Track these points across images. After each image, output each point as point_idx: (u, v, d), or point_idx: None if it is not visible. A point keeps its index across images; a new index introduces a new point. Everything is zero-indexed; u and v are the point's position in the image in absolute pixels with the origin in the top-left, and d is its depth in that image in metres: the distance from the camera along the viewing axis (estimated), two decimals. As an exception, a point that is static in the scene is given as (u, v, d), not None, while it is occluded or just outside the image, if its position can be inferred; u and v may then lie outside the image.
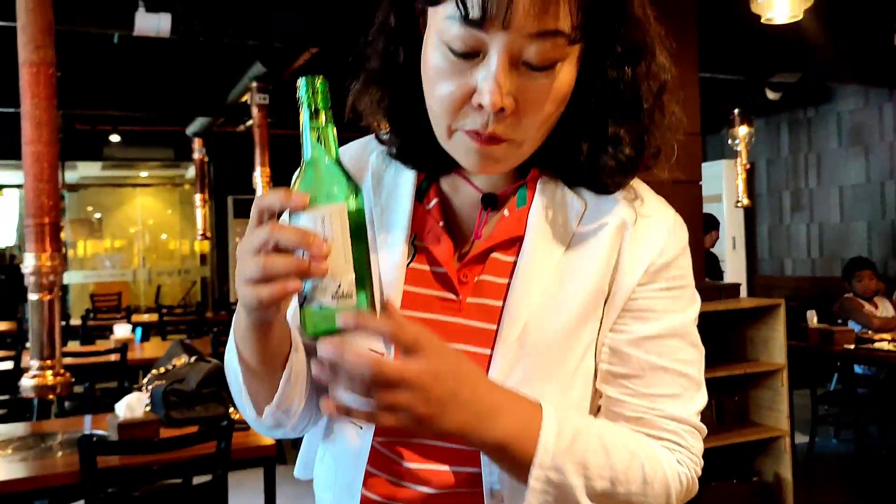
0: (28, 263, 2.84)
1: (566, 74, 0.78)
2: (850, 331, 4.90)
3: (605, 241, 0.87)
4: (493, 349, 0.85)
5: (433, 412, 0.72)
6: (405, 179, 0.93)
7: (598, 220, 0.88)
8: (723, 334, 3.82)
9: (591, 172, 0.86)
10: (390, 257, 0.89)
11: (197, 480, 2.63)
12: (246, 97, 5.98)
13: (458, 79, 0.77)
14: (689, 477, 0.88)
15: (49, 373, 2.78)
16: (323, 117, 0.73)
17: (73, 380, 2.91)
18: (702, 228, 4.01)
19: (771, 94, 6.94)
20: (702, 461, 0.90)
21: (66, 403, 4.45)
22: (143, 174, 12.87)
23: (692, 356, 0.89)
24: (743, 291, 4.94)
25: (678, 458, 0.87)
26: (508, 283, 0.87)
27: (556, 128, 0.83)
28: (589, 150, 0.85)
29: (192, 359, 3.30)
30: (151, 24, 4.32)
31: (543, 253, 0.87)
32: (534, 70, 0.75)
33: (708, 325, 3.92)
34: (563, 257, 0.87)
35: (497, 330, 0.86)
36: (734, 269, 8.22)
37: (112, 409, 2.88)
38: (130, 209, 13.31)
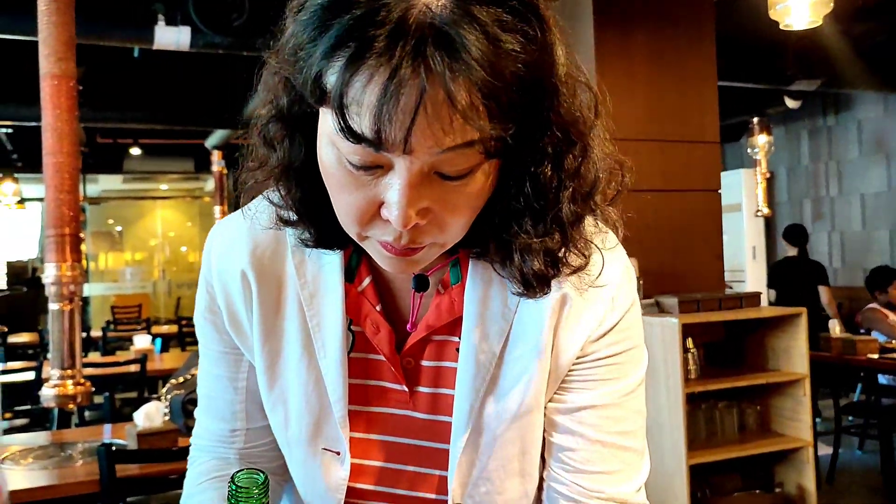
0: (49, 273, 2.86)
1: (484, 175, 0.67)
2: (874, 340, 4.84)
3: (548, 321, 0.80)
4: (449, 443, 0.82)
5: None
6: (331, 258, 0.83)
7: (539, 298, 0.79)
8: (744, 343, 3.78)
9: (507, 276, 0.77)
10: (329, 349, 0.82)
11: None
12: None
13: (362, 190, 0.66)
14: None
15: (69, 382, 2.79)
16: None
17: (94, 389, 2.92)
18: (721, 240, 3.98)
19: (790, 103, 6.89)
20: None
21: (86, 413, 4.48)
22: (164, 187, 12.99)
23: (634, 425, 0.84)
24: (764, 301, 4.90)
25: None
26: (455, 367, 0.82)
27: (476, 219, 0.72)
28: (497, 253, 0.76)
29: (211, 368, 3.31)
30: (171, 37, 4.36)
31: (485, 337, 0.80)
32: (448, 179, 0.64)
33: (729, 334, 3.91)
34: (506, 341, 0.81)
35: (451, 423, 0.82)
36: (754, 279, 8.15)
37: (131, 419, 2.89)
38: (150, 222, 13.43)
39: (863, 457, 5.39)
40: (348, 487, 0.85)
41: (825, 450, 4.93)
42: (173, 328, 7.88)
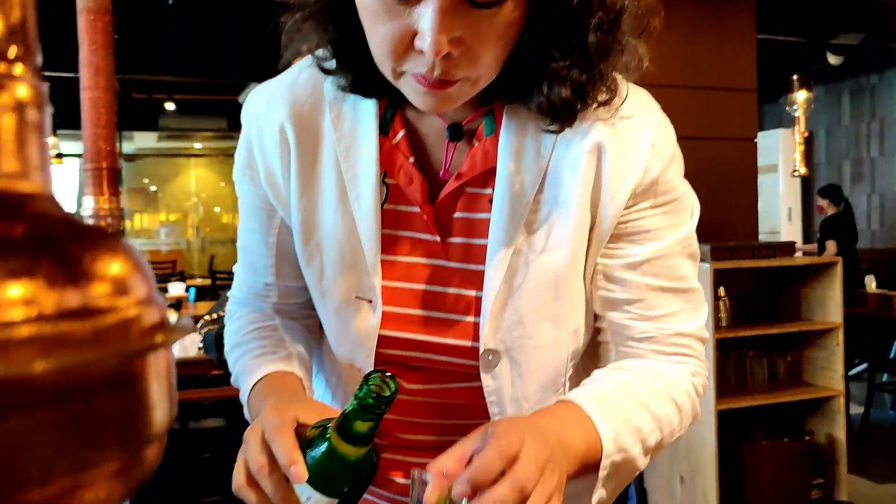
0: (87, 206, 2.91)
1: (514, 4, 0.68)
2: (912, 296, 4.77)
3: (583, 168, 0.81)
4: (481, 290, 0.84)
5: (558, 478, 0.69)
6: (366, 111, 0.85)
7: (572, 145, 0.81)
8: (777, 292, 3.75)
9: (535, 108, 0.78)
10: (363, 200, 0.84)
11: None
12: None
13: (396, 21, 0.68)
14: (703, 384, 0.90)
15: (107, 313, 2.85)
16: (372, 424, 0.69)
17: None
18: (755, 189, 3.92)
19: (832, 59, 6.73)
20: (707, 363, 0.91)
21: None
22: (197, 145, 13.10)
23: (689, 269, 0.87)
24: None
25: (692, 370, 0.88)
26: (488, 219, 0.83)
27: (508, 59, 0.74)
28: (526, 85, 0.77)
29: (244, 306, 3.36)
30: (205, -18, 4.36)
31: (519, 185, 0.82)
32: (478, 7, 0.67)
33: (762, 283, 3.87)
34: (540, 188, 0.82)
35: (484, 270, 0.83)
36: (789, 240, 8.05)
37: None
38: (185, 181, 13.58)
39: (895, 416, 5.34)
40: (385, 336, 0.87)
41: (856, 409, 4.89)
42: (207, 281, 8.01)
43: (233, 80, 7.56)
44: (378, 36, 0.70)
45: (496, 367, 0.85)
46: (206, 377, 2.63)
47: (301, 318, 0.98)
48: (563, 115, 0.76)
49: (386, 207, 0.86)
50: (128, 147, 12.25)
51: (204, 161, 13.53)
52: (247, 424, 2.69)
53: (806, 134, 7.15)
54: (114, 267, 0.21)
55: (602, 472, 0.78)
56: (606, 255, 0.85)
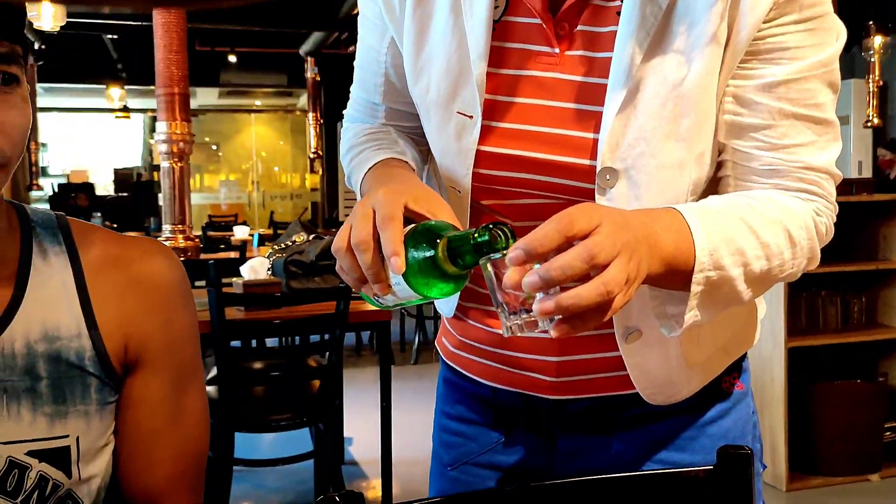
0: (160, 131, 2.97)
1: None
2: None
3: None
4: (602, 105, 0.80)
5: (636, 265, 0.67)
6: None
7: None
8: (854, 230, 3.63)
9: None
10: (475, 9, 0.82)
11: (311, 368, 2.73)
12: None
13: None
14: (827, 226, 0.84)
15: (181, 236, 2.92)
16: (484, 258, 0.69)
17: (202, 245, 3.05)
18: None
19: (912, 3, 6.43)
20: (836, 206, 0.84)
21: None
22: (257, 102, 13.24)
23: (827, 97, 0.81)
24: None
25: (816, 207, 0.83)
26: (613, 32, 0.80)
27: None
28: None
29: (311, 237, 3.40)
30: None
31: None
32: None
33: (838, 219, 3.72)
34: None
35: (605, 84, 0.80)
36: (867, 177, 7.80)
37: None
38: (245, 138, 13.76)
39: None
40: (484, 153, 0.85)
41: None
42: (268, 231, 8.13)
43: (295, 29, 7.59)
44: None
45: (613, 188, 0.81)
46: (275, 296, 2.67)
47: (413, 135, 0.98)
48: None
49: (504, 20, 0.84)
50: (190, 104, 12.46)
51: (264, 118, 13.68)
52: (313, 348, 2.76)
53: (880, 83, 6.87)
54: None
55: (696, 288, 0.74)
56: (739, 76, 0.81)
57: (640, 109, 0.79)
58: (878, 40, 6.35)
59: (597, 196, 0.82)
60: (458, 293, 0.78)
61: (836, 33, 0.82)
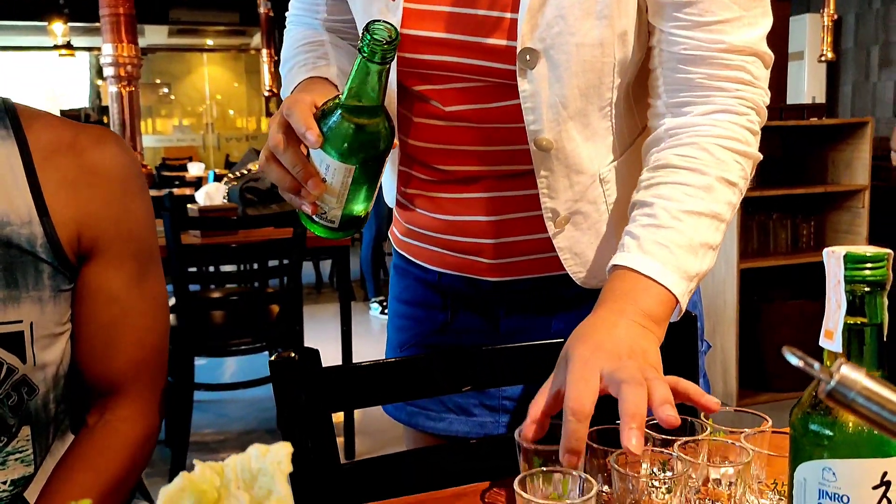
0: (106, 54, 2.88)
1: None
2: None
3: None
4: None
5: (650, 359, 0.69)
6: None
7: None
8: (804, 154, 3.69)
9: None
10: None
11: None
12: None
13: None
14: (759, 121, 0.84)
15: (131, 163, 2.86)
16: (383, 71, 0.71)
17: (154, 173, 3.00)
18: (786, 49, 3.82)
19: (867, -66, 6.44)
20: (767, 89, 0.84)
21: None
22: (210, 42, 12.89)
23: None
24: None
25: (742, 100, 0.81)
26: None
27: None
28: None
29: (266, 165, 3.36)
30: None
31: None
32: None
33: (789, 145, 3.81)
34: None
35: None
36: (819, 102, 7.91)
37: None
38: (198, 79, 13.42)
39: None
40: (408, 36, 0.85)
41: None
42: (224, 171, 8.01)
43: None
44: None
45: (533, 69, 0.81)
46: (233, 219, 2.64)
47: (351, 38, 0.99)
48: None
49: None
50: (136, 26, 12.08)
51: (217, 58, 13.33)
52: (270, 272, 2.71)
53: (835, 17, 6.92)
54: None
55: (683, 300, 0.76)
56: None
57: None
58: (832, -29, 6.37)
59: (518, 78, 0.82)
60: (389, 152, 0.78)
61: None
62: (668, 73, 0.84)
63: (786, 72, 3.82)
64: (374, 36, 0.69)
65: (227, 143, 12.91)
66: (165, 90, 13.37)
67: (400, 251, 1.08)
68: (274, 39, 9.07)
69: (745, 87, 0.82)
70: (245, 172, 3.29)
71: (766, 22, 0.82)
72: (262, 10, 8.61)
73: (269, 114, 11.81)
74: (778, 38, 3.79)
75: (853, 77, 7.84)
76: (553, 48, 0.80)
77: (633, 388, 0.62)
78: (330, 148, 0.73)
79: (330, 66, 0.92)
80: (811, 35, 7.72)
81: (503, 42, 0.82)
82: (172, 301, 2.60)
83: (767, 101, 0.85)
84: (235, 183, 3.16)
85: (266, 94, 8.88)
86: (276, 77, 9.16)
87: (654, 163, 0.83)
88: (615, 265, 0.77)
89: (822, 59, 6.85)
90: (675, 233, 0.77)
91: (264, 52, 8.72)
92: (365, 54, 0.70)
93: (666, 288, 0.74)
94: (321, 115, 0.74)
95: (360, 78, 0.71)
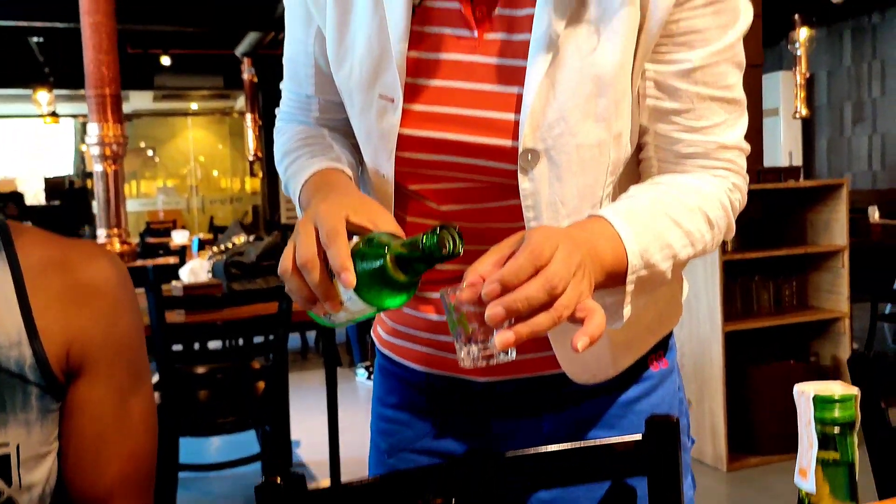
0: (92, 134, 2.90)
1: None
2: (915, 227, 4.78)
3: None
4: (521, 86, 0.82)
5: (588, 281, 0.72)
6: None
7: None
8: (783, 216, 3.75)
9: None
10: None
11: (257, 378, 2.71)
12: None
13: None
14: (740, 200, 0.90)
15: (117, 241, 2.86)
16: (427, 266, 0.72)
17: (139, 249, 3.00)
18: (760, 115, 3.90)
19: (834, -3, 6.66)
20: (748, 176, 0.91)
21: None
22: (194, 105, 13.01)
23: (736, 77, 0.87)
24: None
25: (731, 183, 0.89)
26: (530, 15, 0.82)
27: None
28: None
29: (252, 238, 3.37)
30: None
31: None
32: None
33: (767, 207, 3.86)
34: None
35: (524, 66, 0.82)
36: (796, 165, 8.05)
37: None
38: (182, 142, 13.51)
39: (897, 349, 5.37)
40: (406, 136, 0.86)
41: (858, 345, 4.91)
42: (209, 235, 8.01)
43: (230, 29, 7.49)
44: None
45: (535, 168, 0.83)
46: (218, 297, 2.64)
47: (345, 132, 0.99)
48: None
49: (424, 4, 0.86)
50: (123, 108, 12.18)
51: (201, 122, 13.45)
52: (256, 349, 2.74)
53: (807, 75, 7.10)
54: None
55: (629, 287, 0.79)
56: (658, 61, 0.84)
57: (558, 90, 0.81)
58: (803, 33, 6.56)
59: (519, 177, 0.84)
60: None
61: (742, 12, 0.86)
62: (664, 165, 0.89)
63: (762, 135, 3.89)
64: (445, 251, 0.69)
65: (212, 205, 12.94)
66: (150, 153, 13.44)
67: (384, 351, 1.07)
68: (258, 103, 9.19)
69: (732, 174, 0.89)
70: (230, 246, 3.29)
71: (745, 119, 0.90)
72: (245, 75, 8.77)
73: (252, 174, 11.87)
74: (752, 103, 3.88)
75: (828, 132, 8.02)
76: (554, 149, 0.82)
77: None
78: (359, 290, 0.72)
79: (340, 160, 0.92)
80: (785, 91, 7.91)
81: (504, 143, 0.84)
82: (156, 378, 2.57)
83: (747, 185, 0.91)
84: (220, 257, 3.16)
85: (250, 158, 8.99)
86: (260, 141, 9.25)
87: (645, 182, 0.89)
88: (592, 214, 0.82)
89: (797, 115, 7.01)
90: (651, 220, 0.82)
91: (248, 116, 8.85)
92: (429, 251, 0.70)
93: (625, 251, 0.78)
94: (358, 252, 0.73)
95: (414, 259, 0.71)
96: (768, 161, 7.30)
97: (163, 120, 13.28)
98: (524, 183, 0.84)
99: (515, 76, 0.83)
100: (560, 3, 0.80)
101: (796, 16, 6.53)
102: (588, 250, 0.74)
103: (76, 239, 0.97)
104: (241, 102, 11.53)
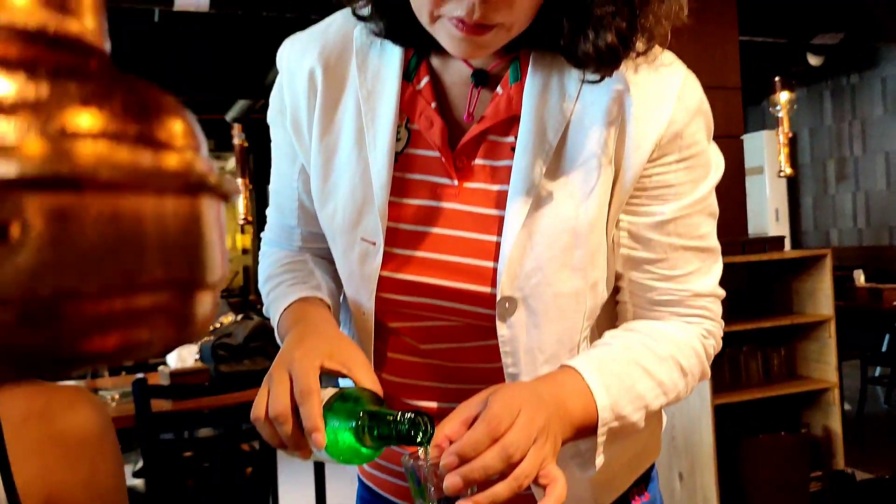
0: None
1: None
2: (901, 289, 4.81)
3: (607, 116, 0.82)
4: (499, 235, 0.84)
5: (552, 444, 0.74)
6: (392, 58, 0.87)
7: (597, 93, 0.82)
8: (768, 287, 3.78)
9: (572, 59, 0.79)
10: (378, 142, 0.86)
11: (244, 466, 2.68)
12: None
13: None
14: (714, 346, 0.92)
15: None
16: (406, 458, 0.74)
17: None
18: (743, 187, 3.96)
19: (813, 60, 6.81)
20: (723, 322, 0.92)
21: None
22: (185, 167, 13.10)
23: (710, 227, 0.89)
24: (787, 245, 4.86)
25: (705, 329, 0.90)
26: (508, 166, 0.84)
27: (543, 5, 0.76)
28: (570, 32, 0.77)
29: (239, 317, 3.37)
30: (191, -2, 4.39)
31: (543, 131, 0.82)
32: None
33: (753, 281, 3.90)
34: (564, 134, 0.83)
35: (502, 216, 0.84)
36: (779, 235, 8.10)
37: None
38: (173, 202, 13.56)
39: (890, 410, 5.36)
40: (387, 279, 0.88)
41: (849, 405, 4.91)
42: (199, 300, 8.00)
43: (220, 97, 7.59)
44: None
45: (512, 315, 0.84)
46: (205, 386, 2.63)
47: (327, 258, 1.01)
48: (606, 63, 0.77)
49: (406, 152, 0.88)
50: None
51: (192, 182, 13.53)
52: (243, 435, 2.71)
53: (790, 135, 7.20)
54: (176, 115, 0.23)
55: (600, 439, 0.80)
56: (632, 213, 0.86)
57: (535, 240, 0.83)
58: (784, 96, 6.69)
59: (497, 324, 0.85)
60: None
61: (713, 166, 0.89)
62: (639, 311, 0.91)
63: (745, 207, 3.95)
64: (416, 439, 0.71)
65: (203, 266, 12.94)
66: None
67: (365, 481, 1.07)
68: (248, 168, 9.24)
69: (706, 321, 0.90)
70: (217, 326, 3.29)
71: (719, 267, 0.91)
72: (236, 140, 8.82)
73: (243, 232, 11.88)
74: (734, 172, 3.94)
75: (813, 190, 8.11)
76: (532, 297, 0.84)
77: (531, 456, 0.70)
78: (330, 450, 0.74)
79: (320, 288, 0.94)
80: (769, 149, 8.02)
81: (483, 289, 0.85)
82: (140, 465, 2.55)
83: (722, 331, 0.92)
84: (208, 338, 3.16)
85: (241, 222, 9.00)
86: (252, 203, 9.29)
87: (620, 328, 0.91)
88: (564, 364, 0.83)
89: (781, 174, 7.08)
90: (623, 371, 0.82)
91: (239, 180, 8.90)
92: (401, 435, 0.71)
93: (596, 405, 0.79)
94: (330, 411, 0.74)
95: (384, 435, 0.72)
96: (755, 219, 7.38)
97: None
98: (502, 329, 0.85)
99: (494, 225, 0.85)
100: (537, 156, 0.82)
101: (777, 79, 6.67)
102: (555, 409, 0.75)
103: (58, 385, 0.98)
104: (231, 163, 11.60)
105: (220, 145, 11.04)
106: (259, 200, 10.53)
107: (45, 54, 0.20)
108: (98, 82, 0.21)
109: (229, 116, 8.59)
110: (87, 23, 0.23)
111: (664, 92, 0.83)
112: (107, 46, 0.24)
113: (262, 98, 7.72)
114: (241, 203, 8.81)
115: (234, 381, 2.66)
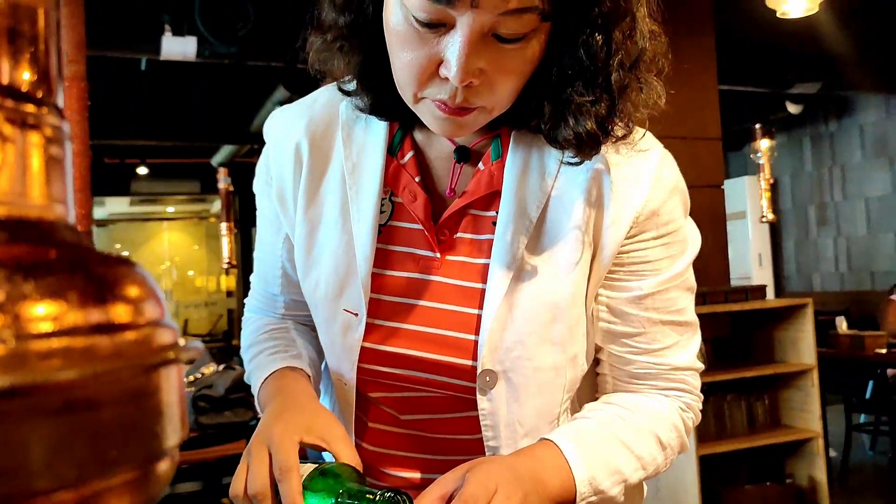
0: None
1: (538, 42, 0.73)
2: (882, 335, 4.83)
3: (585, 194, 0.83)
4: (481, 309, 0.85)
5: None
6: (377, 133, 0.88)
7: (576, 172, 0.84)
8: (751, 337, 3.79)
9: (553, 143, 0.81)
10: (363, 214, 0.87)
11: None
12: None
13: (424, 48, 0.71)
14: (693, 419, 0.93)
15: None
16: None
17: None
18: (725, 236, 4.00)
19: (792, 108, 6.94)
20: (701, 395, 0.93)
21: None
22: (170, 209, 13.08)
23: (687, 301, 0.90)
24: (770, 293, 4.89)
25: (684, 402, 0.91)
26: (490, 240, 0.86)
27: (525, 88, 0.77)
28: (551, 117, 0.78)
29: (221, 367, 3.33)
30: (178, 47, 4.44)
31: (524, 207, 0.84)
32: (504, 42, 0.70)
33: (736, 329, 3.92)
34: (544, 211, 0.84)
35: (484, 289, 0.85)
36: (761, 284, 8.15)
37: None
38: (157, 245, 13.51)
39: (875, 457, 5.36)
40: (369, 349, 0.88)
41: (834, 453, 4.90)
42: (182, 345, 7.93)
43: (205, 142, 7.61)
44: (404, 61, 0.73)
45: (493, 388, 0.85)
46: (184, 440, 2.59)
47: (309, 326, 1.01)
48: (586, 147, 0.79)
49: (390, 224, 0.89)
50: (99, 213, 12.19)
51: (177, 224, 13.49)
52: (224, 489, 2.69)
53: (771, 180, 7.30)
54: (133, 289, 0.23)
55: None
56: (610, 287, 0.87)
57: (516, 314, 0.84)
58: (764, 143, 6.79)
59: (478, 397, 0.85)
60: None
61: (690, 242, 0.90)
62: (619, 384, 0.92)
63: (728, 259, 3.98)
64: None
65: (186, 309, 12.85)
66: (125, 254, 13.41)
67: None
68: (234, 211, 9.26)
69: (685, 394, 0.91)
70: (198, 377, 3.26)
71: (697, 340, 0.92)
72: (221, 185, 8.83)
73: (227, 273, 11.84)
74: (716, 222, 3.98)
75: (795, 234, 8.19)
76: (512, 371, 0.84)
77: None
78: None
79: (300, 357, 0.94)
80: (751, 194, 8.12)
81: (464, 362, 0.85)
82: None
83: (701, 404, 0.93)
84: (189, 389, 3.12)
85: (224, 266, 8.98)
86: (237, 245, 9.28)
87: (600, 400, 0.91)
88: (544, 438, 0.84)
89: (764, 220, 7.17)
90: (601, 445, 0.83)
91: (223, 225, 8.88)
92: None
93: (574, 480, 0.80)
94: (309, 490, 0.74)
95: None
96: (738, 263, 7.43)
97: (139, 223, 13.32)
98: (483, 403, 0.85)
99: (475, 298, 0.86)
100: (518, 231, 0.84)
101: (757, 126, 6.78)
102: (533, 485, 0.76)
103: None
104: (217, 206, 11.62)
105: (206, 188, 11.07)
106: (244, 243, 10.53)
107: (4, 250, 0.20)
108: (56, 276, 0.21)
109: (215, 161, 8.61)
110: (47, 201, 0.23)
111: (641, 172, 0.84)
112: (70, 216, 0.25)
113: (247, 143, 7.76)
114: (226, 246, 8.81)
115: (214, 433, 2.63)
